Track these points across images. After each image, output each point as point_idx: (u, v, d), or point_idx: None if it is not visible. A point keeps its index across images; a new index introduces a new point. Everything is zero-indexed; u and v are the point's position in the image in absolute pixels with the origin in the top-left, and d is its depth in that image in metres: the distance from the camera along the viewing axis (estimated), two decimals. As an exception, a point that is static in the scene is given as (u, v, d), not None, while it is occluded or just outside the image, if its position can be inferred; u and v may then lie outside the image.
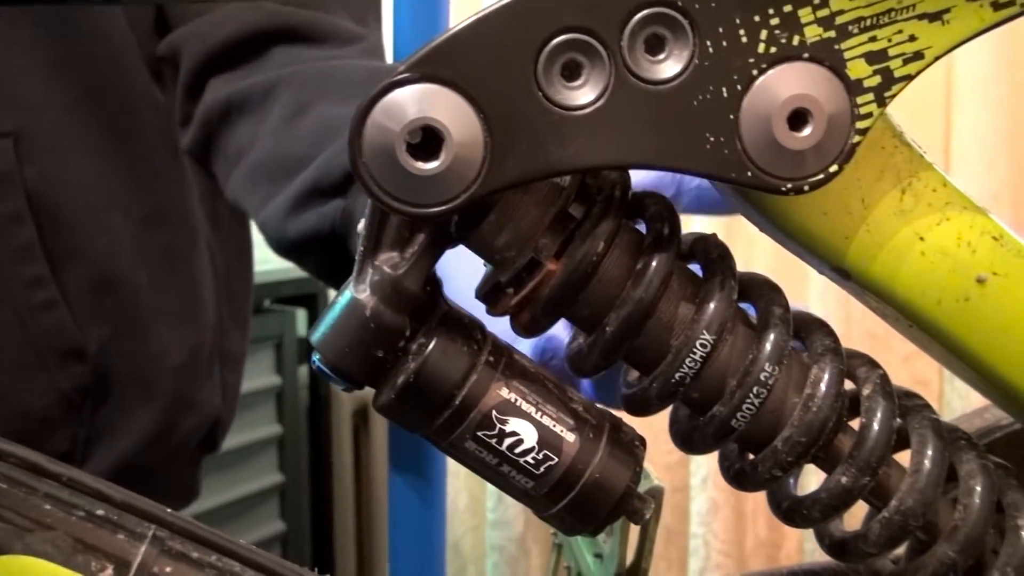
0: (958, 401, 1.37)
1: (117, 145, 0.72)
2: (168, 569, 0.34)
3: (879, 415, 0.35)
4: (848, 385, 0.37)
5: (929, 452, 0.36)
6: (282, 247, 0.64)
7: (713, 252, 0.35)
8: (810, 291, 1.37)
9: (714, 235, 0.36)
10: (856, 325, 1.36)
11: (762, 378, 0.34)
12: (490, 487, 1.54)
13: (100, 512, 0.33)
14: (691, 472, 1.47)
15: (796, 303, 0.37)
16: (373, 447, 1.87)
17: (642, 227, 0.35)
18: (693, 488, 1.46)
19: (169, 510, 0.34)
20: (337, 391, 1.73)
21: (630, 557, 0.54)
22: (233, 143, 0.67)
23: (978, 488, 0.36)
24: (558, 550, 0.64)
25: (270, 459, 1.70)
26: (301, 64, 0.65)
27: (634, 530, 0.55)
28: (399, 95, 0.29)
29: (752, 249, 1.33)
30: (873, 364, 0.37)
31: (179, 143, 0.74)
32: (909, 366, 1.34)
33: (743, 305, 0.36)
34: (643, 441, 0.36)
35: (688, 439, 0.36)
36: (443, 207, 0.30)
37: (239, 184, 0.66)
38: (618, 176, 0.34)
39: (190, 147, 0.71)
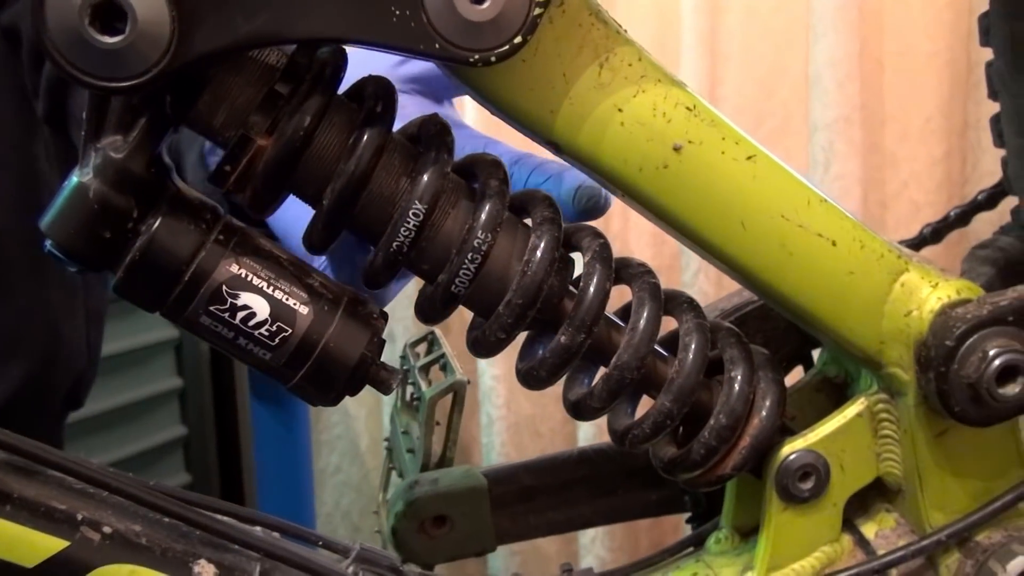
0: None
1: None
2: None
3: (595, 278, 0.38)
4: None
5: (645, 313, 0.39)
6: None
7: (432, 129, 0.37)
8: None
9: (435, 115, 0.38)
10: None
11: (476, 244, 0.36)
12: (387, 425, 1.56)
13: None
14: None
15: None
16: (278, 395, 1.88)
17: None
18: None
19: None
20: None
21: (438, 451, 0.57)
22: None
23: (692, 344, 0.39)
24: (389, 454, 0.67)
25: (171, 412, 1.70)
26: None
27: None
28: (80, -30, 0.30)
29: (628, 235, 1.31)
30: (596, 234, 0.39)
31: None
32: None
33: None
34: (384, 315, 0.38)
35: (423, 310, 0.38)
36: (135, 80, 0.31)
37: None
38: (329, 55, 0.35)
39: (44, 117, 0.73)
